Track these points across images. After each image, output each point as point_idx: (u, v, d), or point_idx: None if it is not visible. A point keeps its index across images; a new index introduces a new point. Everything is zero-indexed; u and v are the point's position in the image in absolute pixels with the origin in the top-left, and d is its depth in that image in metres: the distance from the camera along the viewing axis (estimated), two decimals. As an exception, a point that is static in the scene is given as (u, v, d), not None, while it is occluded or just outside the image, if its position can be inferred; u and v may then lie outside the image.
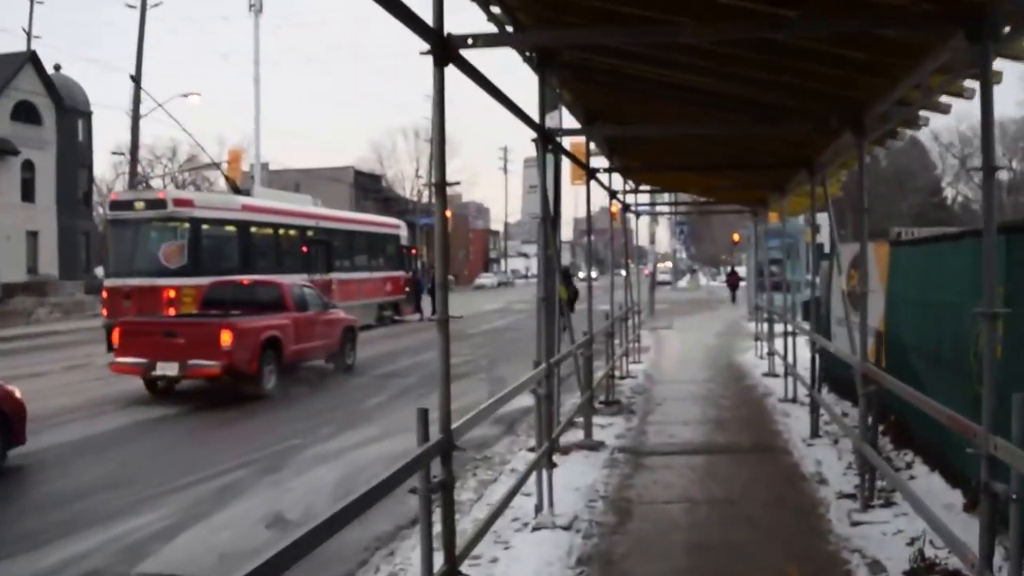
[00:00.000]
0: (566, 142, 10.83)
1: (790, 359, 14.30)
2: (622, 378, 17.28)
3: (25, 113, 47.34)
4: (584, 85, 9.71)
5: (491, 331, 32.48)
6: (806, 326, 15.92)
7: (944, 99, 6.92)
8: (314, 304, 20.08)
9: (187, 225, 24.34)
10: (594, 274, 61.14)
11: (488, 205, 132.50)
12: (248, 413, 15.60)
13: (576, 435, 11.44)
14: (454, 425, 5.26)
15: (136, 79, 41.51)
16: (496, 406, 6.42)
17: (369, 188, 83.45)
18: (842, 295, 12.58)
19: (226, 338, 16.28)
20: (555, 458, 9.32)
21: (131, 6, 44.21)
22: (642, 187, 19.44)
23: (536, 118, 8.10)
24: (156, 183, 61.59)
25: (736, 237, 73.21)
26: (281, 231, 29.11)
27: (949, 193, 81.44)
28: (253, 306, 18.83)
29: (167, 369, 16.41)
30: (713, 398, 15.20)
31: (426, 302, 39.56)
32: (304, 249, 30.17)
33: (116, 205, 25.36)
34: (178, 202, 24.67)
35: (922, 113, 7.76)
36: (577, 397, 12.87)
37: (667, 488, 9.27)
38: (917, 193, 72.00)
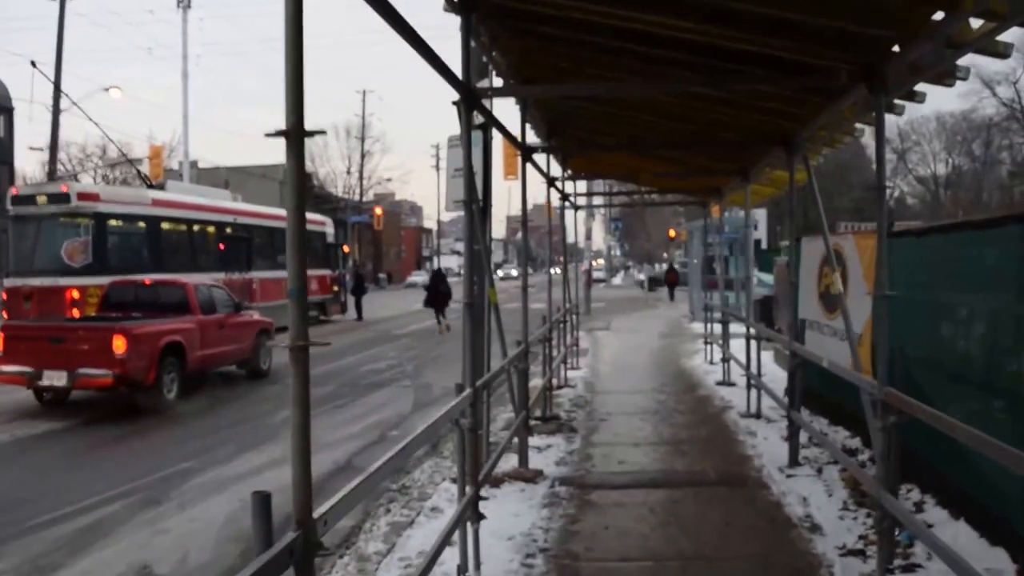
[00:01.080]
0: (497, 114, 9.12)
1: (753, 367, 12.67)
2: (559, 387, 15.56)
3: None
4: (517, 42, 7.95)
5: (419, 332, 30.60)
6: (768, 331, 14.26)
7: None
8: (224, 305, 18.17)
9: (91, 220, 22.21)
10: (514, 272, 60.59)
11: (421, 204, 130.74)
12: (142, 428, 13.76)
13: (509, 461, 9.69)
14: (318, 512, 3.45)
15: (57, 72, 39.09)
16: (376, 479, 4.53)
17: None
18: (817, 297, 11.05)
19: (119, 344, 14.40)
20: (484, 490, 7.60)
21: (51, -1, 41.74)
22: (582, 176, 17.87)
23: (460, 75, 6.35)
24: (86, 180, 59.19)
25: (672, 233, 72.26)
26: (196, 227, 26.97)
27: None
28: (155, 308, 16.99)
29: (54, 379, 14.57)
30: (665, 412, 13.46)
31: (351, 301, 38.07)
32: (221, 246, 28.12)
33: (17, 200, 23.14)
34: (82, 196, 22.51)
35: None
36: (507, 409, 11.16)
37: (622, 537, 7.46)
38: (854, 188, 71.37)
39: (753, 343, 13.11)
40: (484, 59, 8.33)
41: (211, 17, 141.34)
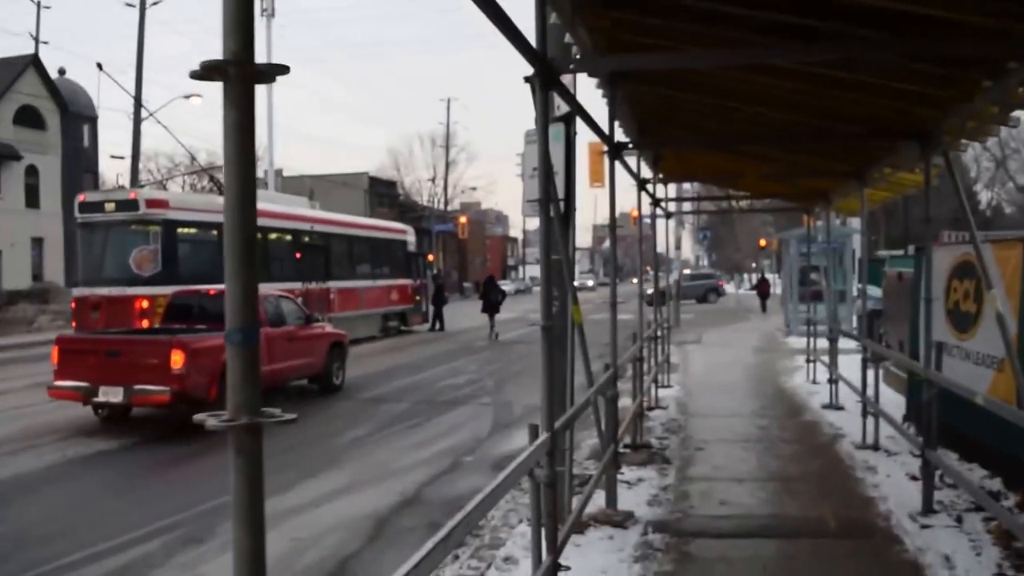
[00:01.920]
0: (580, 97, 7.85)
1: (870, 392, 11.29)
2: (650, 409, 14.31)
3: (28, 118, 46.50)
4: (605, 14, 6.74)
5: (503, 344, 29.56)
6: (896, 354, 12.80)
7: None
8: (293, 317, 17.30)
9: (160, 228, 21.50)
10: (590, 282, 59.77)
11: (507, 212, 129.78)
12: (200, 450, 12.79)
13: (595, 498, 8.46)
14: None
15: (137, 80, 39.48)
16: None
17: (384, 194, 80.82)
18: (945, 314, 9.70)
19: (177, 359, 13.56)
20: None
21: (130, 5, 41.61)
22: (674, 179, 16.58)
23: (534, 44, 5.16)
24: (174, 188, 59.45)
25: (763, 242, 70.22)
26: (272, 235, 26.14)
27: (984, 197, 77.94)
28: (221, 320, 16.04)
29: (110, 395, 13.77)
30: (768, 440, 12.11)
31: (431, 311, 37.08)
32: (298, 255, 27.28)
33: (85, 207, 22.56)
34: (151, 203, 21.79)
35: None
36: (591, 433, 9.99)
37: (732, 606, 6.23)
38: (950, 198, 68.59)
39: (858, 363, 11.73)
40: (567, 36, 7.10)
41: (291, 24, 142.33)
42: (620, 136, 9.75)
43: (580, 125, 8.09)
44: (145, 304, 20.73)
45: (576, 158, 8.36)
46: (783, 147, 10.96)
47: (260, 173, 50.60)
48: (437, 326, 36.20)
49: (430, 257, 58.79)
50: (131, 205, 21.78)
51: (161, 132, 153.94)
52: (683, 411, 14.57)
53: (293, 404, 16.54)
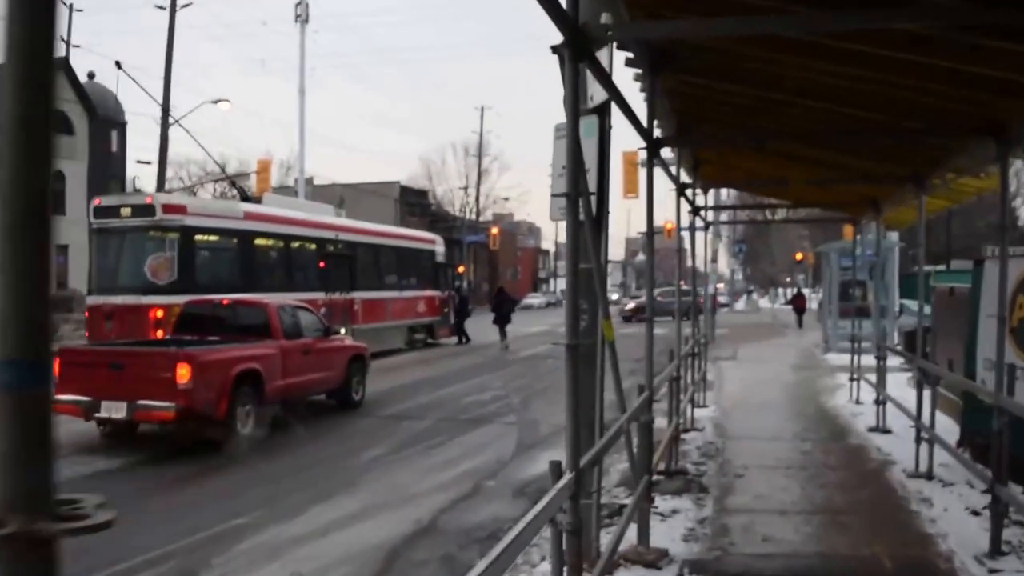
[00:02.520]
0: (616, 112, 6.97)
1: (924, 417, 10.40)
2: (686, 431, 13.48)
3: (57, 122, 44.97)
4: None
5: (530, 359, 28.72)
6: (955, 376, 11.84)
7: None
8: (311, 329, 16.53)
9: (178, 234, 20.65)
10: (614, 296, 58.64)
11: (540, 224, 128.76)
12: (206, 470, 12.15)
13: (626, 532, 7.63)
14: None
15: (166, 85, 38.93)
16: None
17: (415, 204, 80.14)
18: (1008, 332, 8.83)
19: (183, 373, 12.82)
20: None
21: (160, 7, 41.28)
22: (715, 184, 15.68)
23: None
24: (204, 195, 59.00)
25: (799, 256, 69.07)
26: (294, 244, 25.29)
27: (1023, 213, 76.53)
28: (234, 331, 15.43)
29: (113, 410, 13.06)
30: (813, 467, 11.22)
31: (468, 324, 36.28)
32: (322, 264, 26.46)
33: (100, 211, 21.56)
34: (167, 208, 20.91)
35: None
36: (622, 457, 9.21)
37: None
38: (988, 212, 67.22)
39: (908, 381, 10.84)
40: (604, 17, 6.25)
41: (324, 29, 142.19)
42: (658, 134, 8.92)
43: (615, 120, 7.30)
44: (160, 314, 19.81)
45: (611, 155, 7.52)
46: (835, 146, 10.06)
47: (291, 181, 50.01)
48: (464, 339, 35.44)
49: (460, 268, 58.02)
50: (147, 210, 20.89)
51: (192, 140, 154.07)
52: (721, 433, 13.72)
53: (311, 421, 15.83)
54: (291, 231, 24.87)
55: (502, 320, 33.40)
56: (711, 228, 40.90)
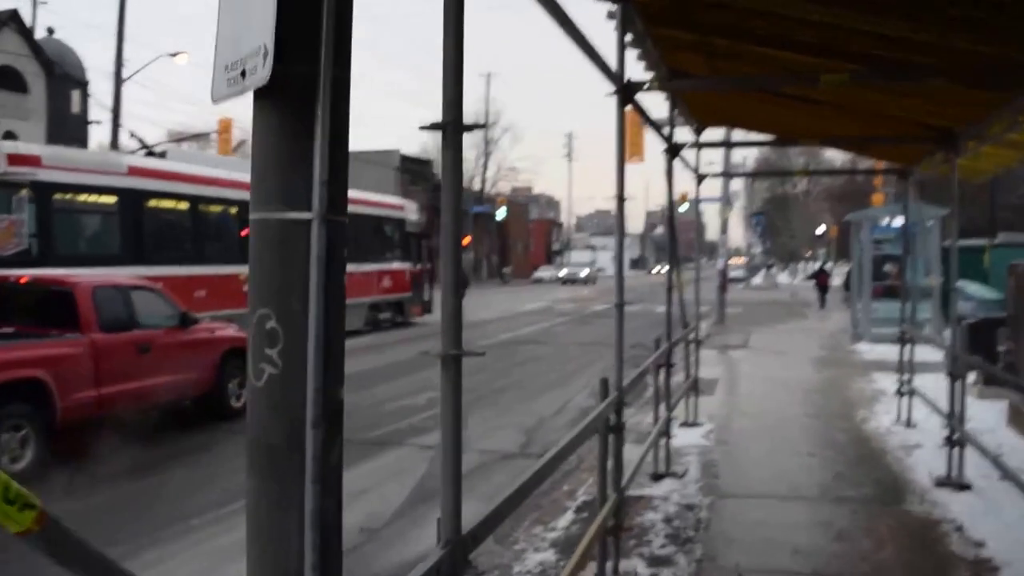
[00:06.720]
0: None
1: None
2: (658, 477, 9.00)
3: (9, 79, 42.33)
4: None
5: (507, 343, 24.25)
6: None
7: None
8: (157, 317, 12.12)
9: (27, 192, 15.95)
10: (582, 273, 55.23)
11: (558, 198, 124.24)
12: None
13: None
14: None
15: (119, 40, 35.32)
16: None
17: (417, 173, 75.67)
18: None
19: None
20: None
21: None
22: (724, 123, 11.30)
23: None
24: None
25: (823, 228, 64.12)
26: (206, 207, 20.44)
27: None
28: (39, 319, 11.06)
29: None
30: (862, 571, 6.63)
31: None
32: (245, 233, 21.59)
33: None
34: (15, 159, 15.92)
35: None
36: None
37: None
38: (1005, 194, 62.12)
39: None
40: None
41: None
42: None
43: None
44: (0, 293, 15.29)
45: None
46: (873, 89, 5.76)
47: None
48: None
49: (466, 240, 53.70)
50: None
51: (159, 101, 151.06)
52: (709, 483, 9.10)
53: (147, 435, 11.42)
54: (201, 191, 19.94)
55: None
56: (726, 196, 36.46)
